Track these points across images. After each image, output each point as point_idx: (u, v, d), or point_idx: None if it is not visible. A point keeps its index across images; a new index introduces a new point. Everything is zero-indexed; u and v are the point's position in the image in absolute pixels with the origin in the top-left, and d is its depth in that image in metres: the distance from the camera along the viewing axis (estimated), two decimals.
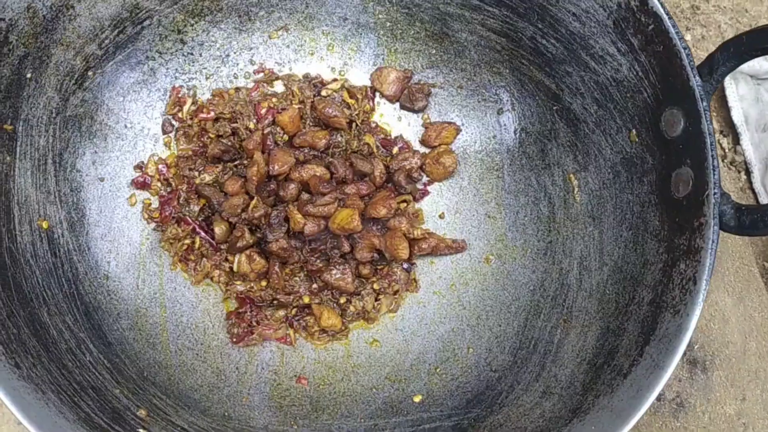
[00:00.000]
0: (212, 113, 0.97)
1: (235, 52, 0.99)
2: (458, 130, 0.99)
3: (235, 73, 1.00)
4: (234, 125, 0.97)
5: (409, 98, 0.99)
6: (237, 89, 0.99)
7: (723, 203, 0.74)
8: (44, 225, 0.87)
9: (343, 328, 0.95)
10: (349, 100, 0.98)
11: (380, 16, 0.98)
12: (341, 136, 0.98)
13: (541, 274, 0.93)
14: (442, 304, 0.97)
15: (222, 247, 0.95)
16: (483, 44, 0.95)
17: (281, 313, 0.94)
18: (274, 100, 0.98)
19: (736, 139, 1.10)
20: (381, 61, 1.00)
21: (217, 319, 0.95)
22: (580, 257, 0.89)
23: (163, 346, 0.92)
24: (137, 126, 0.96)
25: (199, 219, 0.95)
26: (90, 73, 0.91)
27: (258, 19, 0.98)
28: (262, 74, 1.00)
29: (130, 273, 0.94)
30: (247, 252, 0.92)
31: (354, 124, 0.98)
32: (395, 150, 0.99)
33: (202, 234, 0.95)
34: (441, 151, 0.98)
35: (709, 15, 1.14)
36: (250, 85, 1.00)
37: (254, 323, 0.94)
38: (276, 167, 0.92)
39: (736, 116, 1.09)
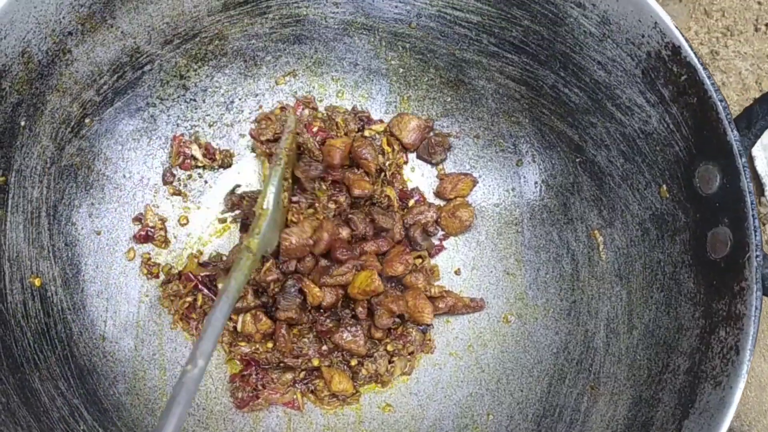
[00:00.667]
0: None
1: (240, 99, 0.95)
2: (475, 182, 0.95)
3: (239, 121, 0.95)
4: (300, 140, 0.91)
5: (428, 150, 0.95)
6: (282, 108, 0.94)
7: (765, 266, 0.69)
8: (37, 282, 0.83)
9: (354, 392, 0.90)
10: (387, 148, 0.94)
11: (393, 61, 0.94)
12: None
13: (564, 336, 0.89)
14: (460, 367, 0.92)
15: None
16: (501, 92, 0.91)
17: (288, 376, 0.89)
18: (320, 123, 0.93)
19: (760, 190, 1.06)
20: (393, 109, 0.96)
21: (220, 382, 0.91)
22: (606, 319, 0.85)
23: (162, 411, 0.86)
24: (136, 176, 0.92)
25: (201, 275, 0.91)
26: (87, 120, 0.87)
27: (264, 64, 0.94)
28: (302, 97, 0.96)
29: (128, 333, 0.90)
30: (253, 311, 0.88)
31: (383, 174, 0.93)
32: (411, 202, 0.95)
33: (205, 291, 0.90)
34: (457, 204, 0.94)
35: (729, 61, 1.11)
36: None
37: (260, 387, 0.89)
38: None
39: (761, 166, 1.05)
